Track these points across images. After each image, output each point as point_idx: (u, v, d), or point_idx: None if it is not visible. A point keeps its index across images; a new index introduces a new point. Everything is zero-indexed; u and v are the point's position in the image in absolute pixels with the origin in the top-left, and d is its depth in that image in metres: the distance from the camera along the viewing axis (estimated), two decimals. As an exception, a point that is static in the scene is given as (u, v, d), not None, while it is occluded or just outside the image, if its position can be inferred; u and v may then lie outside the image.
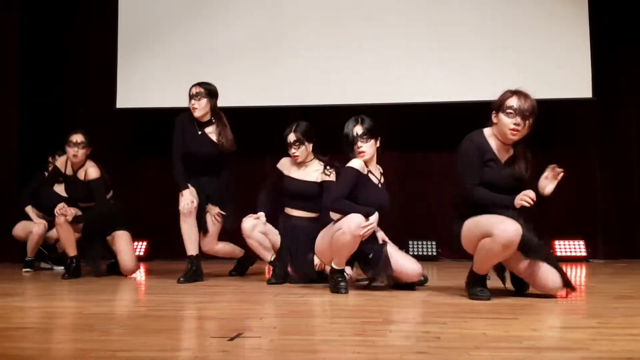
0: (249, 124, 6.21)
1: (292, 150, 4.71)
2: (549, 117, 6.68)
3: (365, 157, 4.10)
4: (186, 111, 5.00)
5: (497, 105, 3.67)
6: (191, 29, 7.17)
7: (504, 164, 3.72)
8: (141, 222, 7.09)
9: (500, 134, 3.69)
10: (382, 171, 4.31)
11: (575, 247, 6.73)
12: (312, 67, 5.76)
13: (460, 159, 3.71)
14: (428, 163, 7.00)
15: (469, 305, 3.45)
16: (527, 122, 3.60)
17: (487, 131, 3.76)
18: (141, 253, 7.09)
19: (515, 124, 3.58)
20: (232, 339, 2.50)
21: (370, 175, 4.16)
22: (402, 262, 4.15)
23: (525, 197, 3.49)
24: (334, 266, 4.09)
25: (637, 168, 7.05)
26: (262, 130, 6.47)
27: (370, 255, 4.07)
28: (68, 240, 5.28)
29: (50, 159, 6.17)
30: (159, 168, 6.24)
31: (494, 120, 3.70)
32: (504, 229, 3.42)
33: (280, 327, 2.86)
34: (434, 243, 6.82)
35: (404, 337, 2.60)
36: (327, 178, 4.68)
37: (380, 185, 4.21)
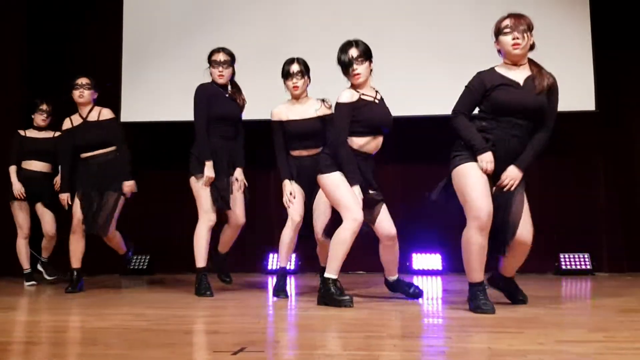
0: (254, 137, 6.20)
1: (294, 81, 4.71)
2: (555, 130, 6.69)
3: (360, 80, 4.18)
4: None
5: (496, 31, 3.82)
6: (195, 41, 7.17)
7: (524, 85, 3.78)
8: (143, 235, 7.10)
9: (506, 56, 3.82)
10: (377, 90, 4.32)
11: (581, 261, 6.69)
12: (317, 80, 5.75)
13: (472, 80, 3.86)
14: (431, 175, 6.97)
15: (473, 319, 3.44)
16: (525, 34, 3.74)
17: (498, 66, 3.87)
18: (144, 267, 7.09)
19: (514, 38, 3.72)
20: (235, 353, 2.49)
21: (363, 97, 4.20)
22: (385, 218, 4.27)
23: (506, 181, 3.71)
24: (330, 275, 4.06)
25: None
26: (267, 143, 6.46)
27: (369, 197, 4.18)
28: (76, 252, 5.27)
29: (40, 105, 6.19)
30: (162, 182, 6.25)
31: (497, 47, 3.85)
32: (476, 216, 3.62)
33: (283, 341, 2.85)
34: (438, 256, 6.80)
35: (408, 351, 2.59)
36: (328, 111, 4.66)
37: (377, 102, 4.25)
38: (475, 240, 3.64)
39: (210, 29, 7.16)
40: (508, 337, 2.85)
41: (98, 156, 5.28)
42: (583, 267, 6.66)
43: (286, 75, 4.76)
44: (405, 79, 6.62)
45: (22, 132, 6.06)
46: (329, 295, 4.03)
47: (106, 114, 5.37)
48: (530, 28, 3.75)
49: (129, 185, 5.26)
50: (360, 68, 4.16)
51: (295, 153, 4.75)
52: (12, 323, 3.42)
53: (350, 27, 6.87)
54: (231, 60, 5.05)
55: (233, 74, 5.09)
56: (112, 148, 5.31)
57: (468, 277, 3.76)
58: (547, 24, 6.75)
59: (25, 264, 5.99)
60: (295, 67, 4.74)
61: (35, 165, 5.95)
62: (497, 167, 3.73)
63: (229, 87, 5.07)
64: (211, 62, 5.02)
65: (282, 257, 4.71)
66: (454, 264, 6.70)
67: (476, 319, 3.41)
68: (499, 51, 3.86)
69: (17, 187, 5.85)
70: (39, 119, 6.05)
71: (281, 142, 4.75)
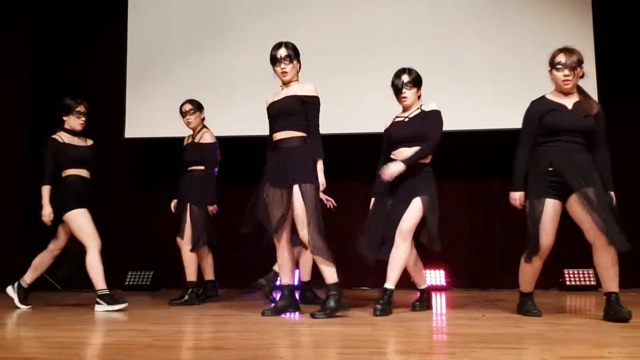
0: (257, 154, 6.22)
1: (282, 66, 4.54)
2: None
3: (407, 103, 4.69)
4: None
5: (550, 64, 4.24)
6: (200, 58, 7.23)
7: (572, 108, 4.19)
8: (147, 251, 7.11)
9: (557, 87, 4.25)
10: (421, 110, 4.71)
11: (585, 277, 6.68)
12: (322, 96, 5.79)
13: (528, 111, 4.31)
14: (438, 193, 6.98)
15: (478, 335, 3.43)
16: (575, 72, 4.16)
17: (549, 93, 4.31)
18: (148, 282, 7.10)
19: (565, 75, 4.16)
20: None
21: (397, 118, 4.77)
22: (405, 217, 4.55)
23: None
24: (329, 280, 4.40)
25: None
26: (246, 158, 6.49)
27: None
28: (192, 265, 5.59)
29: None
30: (165, 198, 6.23)
31: (550, 77, 4.27)
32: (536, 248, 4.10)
33: (287, 357, 2.84)
34: (442, 272, 6.78)
35: (413, 367, 2.58)
36: (311, 93, 4.53)
37: (405, 120, 4.71)
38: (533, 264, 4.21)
39: (216, 45, 7.22)
40: (513, 352, 2.85)
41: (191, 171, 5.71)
42: (587, 282, 6.64)
43: (273, 60, 4.59)
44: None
45: (58, 138, 5.37)
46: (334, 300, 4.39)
47: (207, 138, 5.70)
48: (580, 63, 4.16)
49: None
50: (407, 92, 4.67)
51: (276, 137, 4.55)
52: (15, 339, 3.42)
53: (354, 42, 6.97)
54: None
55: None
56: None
57: (520, 288, 4.37)
58: (549, 25, 6.79)
59: (102, 284, 5.12)
60: (282, 52, 4.55)
61: (80, 173, 5.38)
62: (563, 179, 4.06)
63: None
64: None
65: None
66: (458, 281, 6.72)
67: (481, 335, 3.41)
68: (551, 80, 4.29)
69: (48, 212, 5.15)
70: (77, 122, 5.40)
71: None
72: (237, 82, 6.76)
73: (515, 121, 4.63)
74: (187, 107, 5.80)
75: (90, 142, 5.52)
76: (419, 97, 4.76)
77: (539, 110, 4.23)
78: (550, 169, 4.10)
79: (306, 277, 5.45)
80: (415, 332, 3.65)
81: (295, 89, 4.57)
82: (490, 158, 6.57)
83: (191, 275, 5.59)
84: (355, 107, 6.69)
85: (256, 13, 7.25)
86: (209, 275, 5.74)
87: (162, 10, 7.46)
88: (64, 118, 5.41)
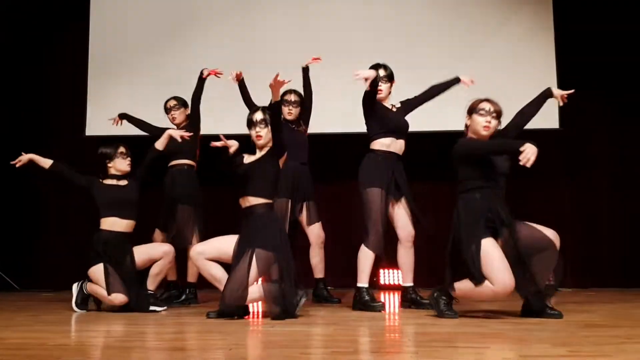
0: (214, 152, 6.19)
1: (257, 130, 4.53)
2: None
3: (381, 95, 4.91)
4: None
5: (471, 109, 4.35)
6: (163, 55, 7.18)
7: None
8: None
9: (474, 132, 4.33)
10: (398, 105, 5.04)
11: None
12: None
13: (469, 143, 4.33)
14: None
15: (440, 334, 3.45)
16: (496, 122, 4.31)
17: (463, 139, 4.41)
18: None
19: (487, 121, 4.27)
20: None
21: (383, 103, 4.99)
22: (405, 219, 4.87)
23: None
24: (361, 284, 4.74)
25: (605, 195, 7.15)
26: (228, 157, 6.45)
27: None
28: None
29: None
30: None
31: (467, 122, 4.37)
32: (503, 284, 3.99)
33: (250, 358, 2.83)
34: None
35: (375, 367, 2.58)
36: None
37: (394, 109, 5.00)
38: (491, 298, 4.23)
39: (179, 43, 7.18)
40: (474, 352, 2.87)
41: None
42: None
43: (249, 123, 4.60)
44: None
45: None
46: (364, 302, 4.70)
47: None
48: (499, 115, 4.33)
49: None
50: (383, 87, 4.91)
51: (243, 201, 4.53)
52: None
53: (321, 40, 6.99)
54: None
55: None
56: None
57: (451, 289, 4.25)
58: (512, 40, 6.92)
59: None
60: (258, 116, 4.56)
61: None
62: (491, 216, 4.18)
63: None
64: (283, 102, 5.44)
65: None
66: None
67: (444, 334, 3.42)
68: (466, 125, 4.39)
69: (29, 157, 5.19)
70: (124, 164, 5.22)
71: None
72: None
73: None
74: (172, 103, 5.75)
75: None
76: (389, 93, 5.01)
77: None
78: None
79: (319, 274, 5.46)
80: (378, 332, 3.66)
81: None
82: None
83: (191, 276, 5.54)
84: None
85: (220, 11, 7.23)
86: (173, 276, 5.66)
87: (124, 9, 7.39)
88: (108, 165, 5.22)
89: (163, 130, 5.58)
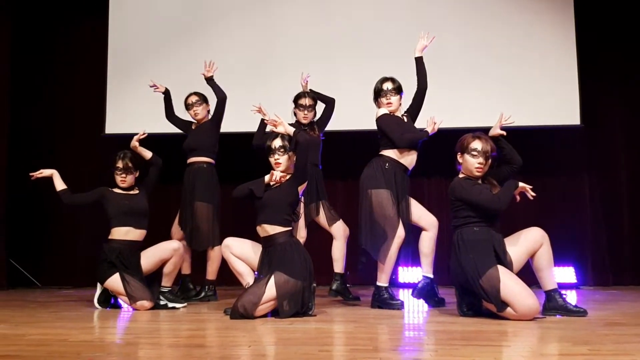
0: (240, 151, 6.21)
1: (276, 157, 4.46)
2: (537, 145, 6.74)
3: (392, 108, 4.91)
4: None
5: (461, 148, 4.27)
6: (183, 53, 7.19)
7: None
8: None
9: (467, 172, 4.28)
10: (405, 114, 5.03)
11: (566, 275, 6.73)
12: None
13: (466, 189, 4.19)
14: (420, 188, 7.02)
15: (459, 332, 3.45)
16: (488, 161, 4.22)
17: (460, 176, 4.34)
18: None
19: (479, 163, 4.20)
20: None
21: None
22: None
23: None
24: (381, 283, 4.77)
25: (626, 194, 7.08)
26: (249, 155, 6.49)
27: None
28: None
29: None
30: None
31: (460, 160, 4.30)
32: (528, 308, 3.87)
33: (269, 355, 2.84)
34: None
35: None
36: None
37: (405, 119, 4.97)
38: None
39: (198, 42, 7.21)
40: (494, 350, 2.86)
41: None
42: (568, 280, 6.70)
43: (268, 150, 4.52)
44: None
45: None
46: (383, 300, 4.74)
47: None
48: (492, 152, 4.22)
49: None
50: (393, 99, 4.91)
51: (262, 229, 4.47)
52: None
53: (342, 39, 7.00)
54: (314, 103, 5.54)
55: None
56: None
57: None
58: (532, 38, 6.88)
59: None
60: (277, 142, 4.48)
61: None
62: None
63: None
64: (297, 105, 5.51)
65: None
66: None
67: (462, 333, 3.42)
68: (458, 163, 4.32)
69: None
70: (117, 179, 5.20)
71: None
72: (221, 77, 6.72)
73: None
74: (193, 99, 5.74)
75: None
76: (399, 105, 4.99)
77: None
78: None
79: (339, 269, 5.38)
80: (397, 330, 3.66)
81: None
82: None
83: (211, 274, 5.57)
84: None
85: (240, 6, 7.26)
86: (187, 269, 5.71)
87: (144, 5, 7.42)
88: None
89: (188, 123, 5.75)
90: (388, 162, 4.81)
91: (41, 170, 5.19)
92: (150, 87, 5.86)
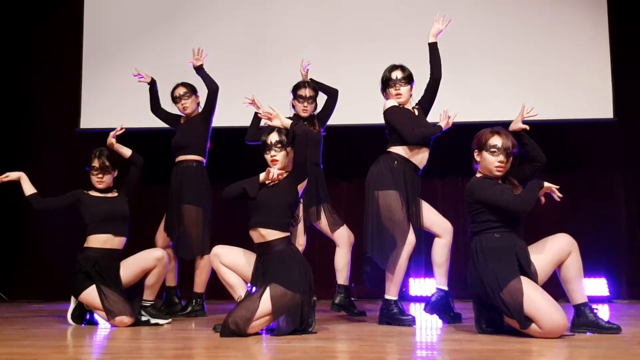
0: (233, 148, 6.22)
1: (272, 153, 4.45)
2: (563, 141, 6.74)
3: (402, 100, 4.91)
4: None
5: (479, 144, 4.23)
6: (164, 41, 7.21)
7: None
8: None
9: (485, 171, 4.24)
10: (417, 107, 5.04)
11: (597, 286, 6.72)
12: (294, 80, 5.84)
13: (486, 190, 4.14)
14: (433, 189, 7.02)
15: (477, 351, 3.45)
16: (509, 158, 4.16)
17: (477, 175, 4.31)
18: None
19: (499, 161, 4.15)
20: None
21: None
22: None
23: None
24: (391, 297, 4.75)
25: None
26: (242, 153, 6.49)
27: None
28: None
29: None
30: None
31: (477, 158, 4.27)
32: (554, 324, 3.83)
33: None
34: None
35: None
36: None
37: (415, 112, 4.98)
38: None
39: (178, 34, 7.25)
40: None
41: None
42: (600, 293, 6.69)
43: (263, 145, 4.51)
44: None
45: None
46: (392, 315, 4.73)
47: None
48: (513, 147, 4.17)
49: None
50: (402, 89, 4.91)
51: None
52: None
53: (338, 29, 7.01)
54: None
55: None
56: None
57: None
58: (560, 23, 6.87)
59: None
60: (274, 137, 4.47)
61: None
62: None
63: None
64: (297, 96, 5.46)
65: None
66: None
67: (480, 352, 3.42)
68: (476, 162, 4.29)
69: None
70: (94, 180, 5.18)
71: None
72: (213, 67, 6.75)
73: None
74: (181, 90, 5.74)
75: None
76: (410, 96, 4.99)
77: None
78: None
79: (342, 281, 5.37)
80: (405, 349, 3.66)
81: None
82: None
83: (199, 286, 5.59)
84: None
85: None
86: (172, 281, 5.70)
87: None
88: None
89: (176, 117, 5.80)
90: (397, 160, 4.80)
91: (7, 174, 5.16)
92: (135, 76, 5.85)
